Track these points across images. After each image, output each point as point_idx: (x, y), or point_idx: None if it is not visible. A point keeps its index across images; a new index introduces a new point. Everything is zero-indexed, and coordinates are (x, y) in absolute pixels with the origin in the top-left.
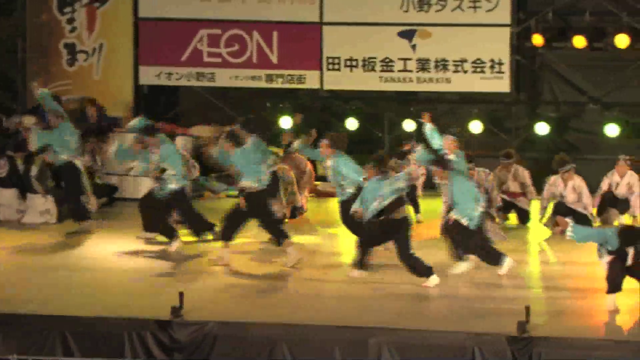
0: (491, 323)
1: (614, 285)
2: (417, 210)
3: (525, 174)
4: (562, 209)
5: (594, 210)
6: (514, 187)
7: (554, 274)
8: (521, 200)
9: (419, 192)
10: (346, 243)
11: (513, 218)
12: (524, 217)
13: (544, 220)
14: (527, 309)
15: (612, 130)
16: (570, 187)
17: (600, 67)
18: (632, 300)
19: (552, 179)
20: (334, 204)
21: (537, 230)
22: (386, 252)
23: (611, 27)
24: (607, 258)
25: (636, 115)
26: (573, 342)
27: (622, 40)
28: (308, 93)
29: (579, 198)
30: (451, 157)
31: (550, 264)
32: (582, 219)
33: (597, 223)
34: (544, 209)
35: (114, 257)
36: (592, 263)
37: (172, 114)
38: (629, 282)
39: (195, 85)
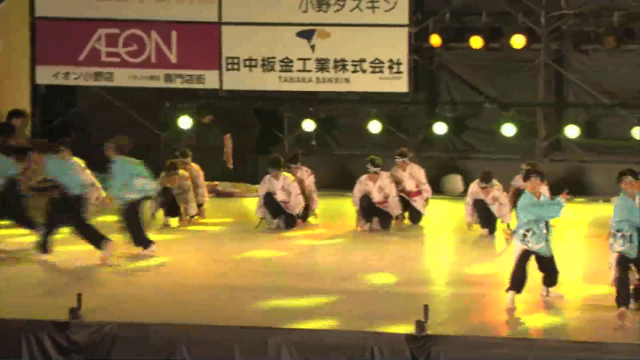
0: (391, 322)
1: (515, 283)
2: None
3: (420, 173)
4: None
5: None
6: (410, 185)
7: (453, 274)
8: (417, 201)
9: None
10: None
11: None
12: (416, 217)
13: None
14: (426, 308)
15: (508, 130)
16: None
17: (497, 67)
18: (531, 297)
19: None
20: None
21: (432, 229)
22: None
23: (507, 27)
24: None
25: (532, 115)
26: (471, 340)
27: (517, 41)
28: (207, 93)
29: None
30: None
31: (450, 263)
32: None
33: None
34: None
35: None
36: (492, 262)
37: (70, 114)
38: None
39: (93, 85)
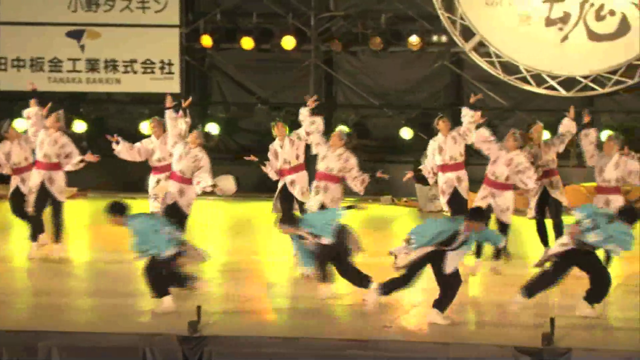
0: (164, 323)
1: (322, 276)
2: None
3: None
4: None
5: None
6: None
7: (229, 271)
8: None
9: None
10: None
11: None
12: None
13: None
14: (199, 308)
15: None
16: None
17: (268, 68)
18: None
19: None
20: None
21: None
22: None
23: (277, 28)
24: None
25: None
26: (242, 340)
27: (288, 42)
28: None
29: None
30: None
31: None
32: None
33: None
34: None
35: None
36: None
37: None
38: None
39: None
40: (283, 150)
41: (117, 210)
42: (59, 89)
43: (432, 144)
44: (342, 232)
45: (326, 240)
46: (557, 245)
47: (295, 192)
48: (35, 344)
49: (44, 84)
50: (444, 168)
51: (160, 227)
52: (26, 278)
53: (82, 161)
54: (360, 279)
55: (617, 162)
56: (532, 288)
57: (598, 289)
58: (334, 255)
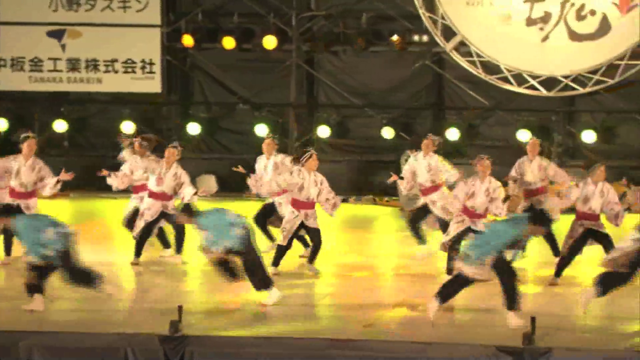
0: (146, 323)
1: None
2: None
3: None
4: None
5: None
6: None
7: (205, 273)
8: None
9: None
10: None
11: None
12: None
13: None
14: (180, 308)
15: (261, 130)
16: None
17: (250, 68)
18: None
19: None
20: None
21: None
22: None
23: (259, 28)
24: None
25: (286, 115)
26: (224, 340)
27: (269, 42)
28: None
29: None
30: None
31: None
32: None
33: None
34: None
35: None
36: None
37: None
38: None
39: None
40: (266, 172)
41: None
42: (39, 88)
43: (411, 162)
44: (247, 236)
45: (227, 243)
46: (628, 241)
47: (282, 213)
48: (16, 344)
49: (25, 83)
50: (422, 191)
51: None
52: (5, 278)
53: (58, 182)
54: (261, 280)
55: (539, 165)
56: (606, 285)
57: None
58: (242, 255)
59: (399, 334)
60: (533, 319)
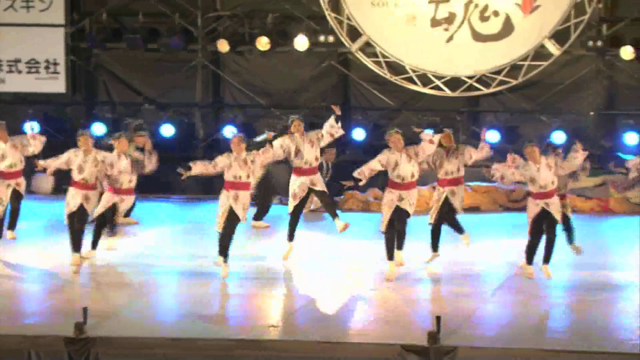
0: (50, 325)
1: None
2: None
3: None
4: None
5: None
6: None
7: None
8: None
9: None
10: None
11: None
12: None
13: None
14: (85, 310)
15: (167, 130)
16: None
17: (155, 68)
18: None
19: None
20: None
21: None
22: None
23: (164, 28)
24: None
25: (191, 116)
26: (129, 341)
27: (176, 41)
28: None
29: None
30: None
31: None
32: None
33: None
34: None
35: None
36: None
37: None
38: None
39: None
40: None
41: None
42: None
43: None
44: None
45: None
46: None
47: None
48: None
49: None
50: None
51: None
52: None
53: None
54: None
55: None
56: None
57: None
58: None
59: (306, 334)
60: (438, 318)
